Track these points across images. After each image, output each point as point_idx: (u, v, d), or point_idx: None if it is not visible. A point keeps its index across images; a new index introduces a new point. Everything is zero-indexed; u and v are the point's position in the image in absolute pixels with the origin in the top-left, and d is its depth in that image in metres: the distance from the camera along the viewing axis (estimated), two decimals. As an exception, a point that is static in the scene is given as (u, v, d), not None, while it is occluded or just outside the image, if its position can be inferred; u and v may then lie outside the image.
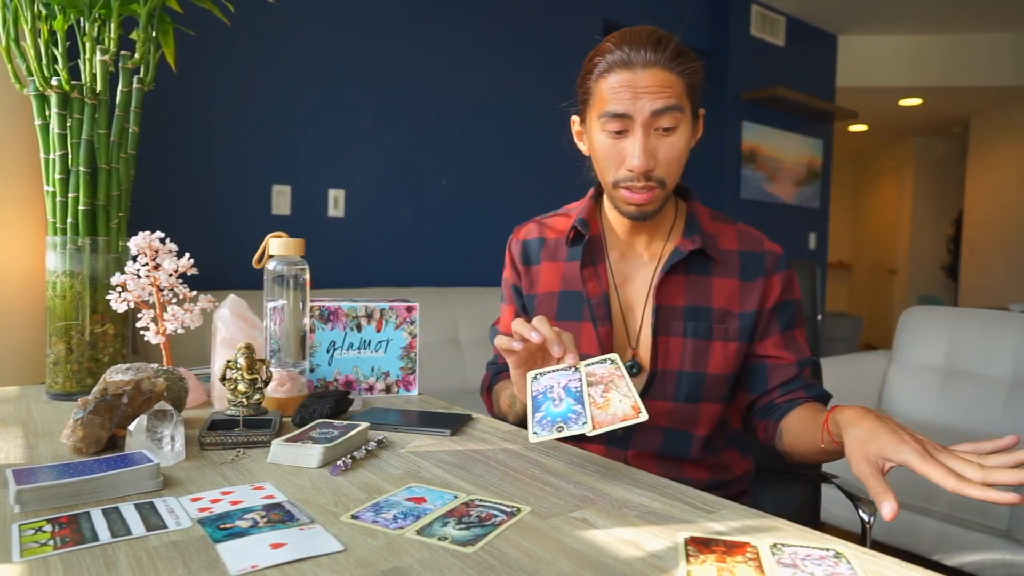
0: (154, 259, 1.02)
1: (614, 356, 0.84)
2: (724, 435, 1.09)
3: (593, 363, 0.84)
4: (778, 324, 1.05)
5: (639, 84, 0.93)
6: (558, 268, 1.11)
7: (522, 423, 1.03)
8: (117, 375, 0.85)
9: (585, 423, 0.74)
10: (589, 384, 0.80)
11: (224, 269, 2.08)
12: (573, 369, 0.83)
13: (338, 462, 0.75)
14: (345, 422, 0.87)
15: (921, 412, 2.68)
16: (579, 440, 1.07)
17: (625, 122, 0.94)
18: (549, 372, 0.84)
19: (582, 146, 1.08)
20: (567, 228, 1.11)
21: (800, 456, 0.97)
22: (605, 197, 1.10)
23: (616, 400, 0.77)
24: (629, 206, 0.99)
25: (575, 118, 1.07)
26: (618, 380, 0.80)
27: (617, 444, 1.05)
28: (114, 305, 1.01)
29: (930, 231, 7.44)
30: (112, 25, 1.09)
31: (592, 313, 1.05)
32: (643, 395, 1.02)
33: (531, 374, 0.85)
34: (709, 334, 1.03)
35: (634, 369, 1.04)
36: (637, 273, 1.07)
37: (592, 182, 1.11)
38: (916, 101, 5.87)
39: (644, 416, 0.73)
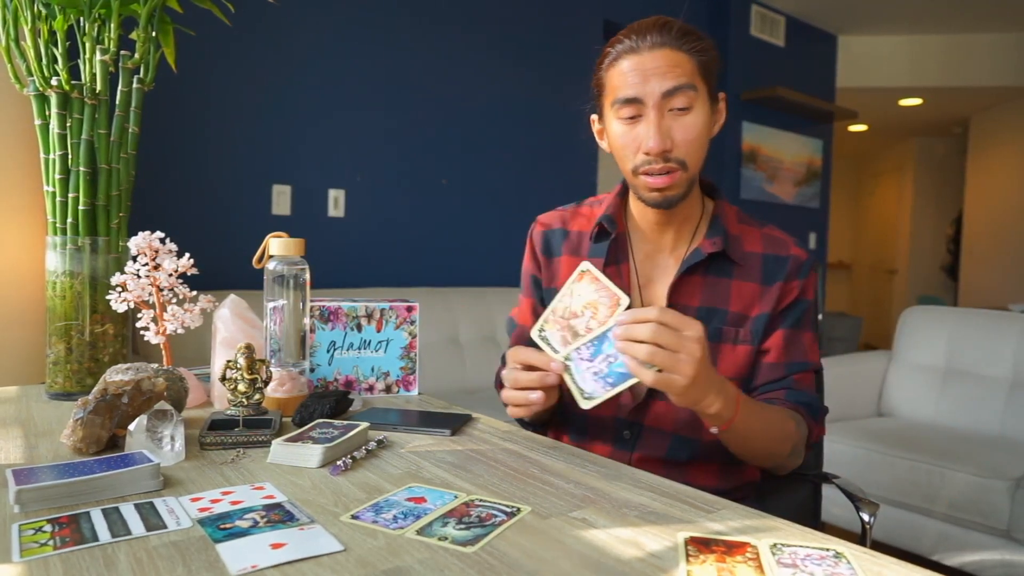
0: (154, 259, 1.02)
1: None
2: None
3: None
4: (783, 323, 1.03)
5: (647, 66, 0.93)
6: (578, 264, 1.10)
7: (536, 424, 1.09)
8: (117, 375, 0.85)
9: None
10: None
11: (224, 269, 2.07)
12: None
13: (338, 462, 0.75)
14: (345, 422, 0.87)
15: (921, 412, 2.68)
16: (582, 441, 1.07)
17: (637, 107, 0.94)
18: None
19: (603, 144, 1.07)
20: (591, 222, 1.10)
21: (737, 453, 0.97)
22: (631, 192, 1.09)
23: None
24: (651, 192, 0.97)
25: (594, 117, 1.06)
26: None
27: (622, 446, 1.04)
28: (114, 305, 1.01)
29: (930, 231, 7.43)
30: (112, 25, 1.09)
31: None
32: (651, 397, 1.02)
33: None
34: (718, 336, 1.01)
35: None
36: (662, 275, 1.06)
37: (593, 183, 1.11)
38: (916, 101, 5.86)
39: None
